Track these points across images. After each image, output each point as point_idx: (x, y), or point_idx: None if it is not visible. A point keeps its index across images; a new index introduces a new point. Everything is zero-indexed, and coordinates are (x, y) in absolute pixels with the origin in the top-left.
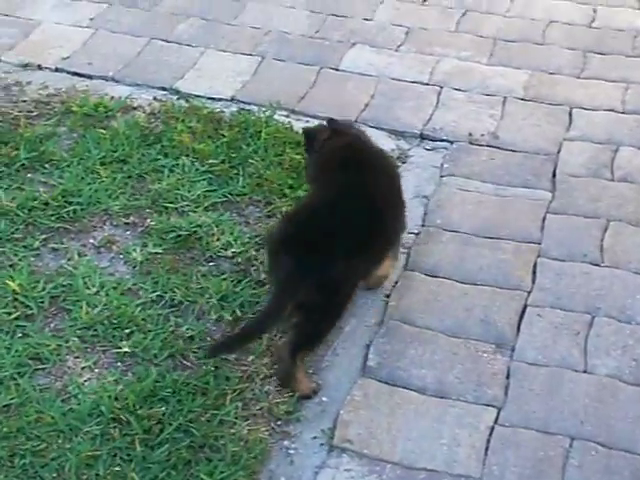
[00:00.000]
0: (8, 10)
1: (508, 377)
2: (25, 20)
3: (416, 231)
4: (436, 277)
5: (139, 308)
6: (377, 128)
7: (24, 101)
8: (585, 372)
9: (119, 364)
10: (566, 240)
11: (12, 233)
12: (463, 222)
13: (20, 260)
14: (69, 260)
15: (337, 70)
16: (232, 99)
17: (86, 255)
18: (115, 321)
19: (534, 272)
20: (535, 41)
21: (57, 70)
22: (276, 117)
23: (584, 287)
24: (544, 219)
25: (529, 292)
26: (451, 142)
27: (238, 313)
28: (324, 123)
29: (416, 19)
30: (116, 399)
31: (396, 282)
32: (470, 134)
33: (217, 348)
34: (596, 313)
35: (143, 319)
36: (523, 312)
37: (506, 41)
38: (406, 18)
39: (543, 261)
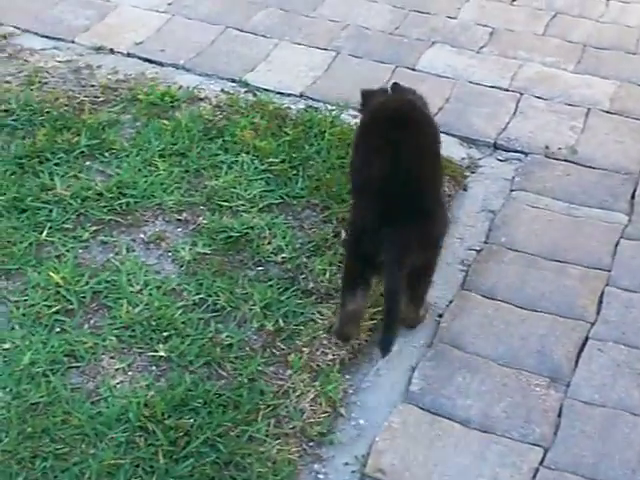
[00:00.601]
0: None
1: (560, 415)
2: (102, 2)
3: (478, 247)
4: (494, 299)
5: (180, 310)
6: (448, 134)
7: (92, 86)
8: None
9: (153, 368)
10: (638, 269)
11: (63, 222)
12: (529, 242)
13: (68, 251)
14: (117, 254)
15: (413, 70)
16: (301, 95)
17: (134, 250)
18: (154, 323)
19: (600, 302)
20: (628, 50)
21: (129, 55)
22: (343, 117)
23: None
24: (617, 244)
25: (592, 324)
26: (526, 154)
27: (281, 323)
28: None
29: (502, 19)
30: (145, 406)
31: (450, 301)
32: (547, 147)
33: (386, 344)
34: None
35: (183, 322)
36: (583, 345)
37: (596, 48)
38: (492, 18)
39: (611, 290)
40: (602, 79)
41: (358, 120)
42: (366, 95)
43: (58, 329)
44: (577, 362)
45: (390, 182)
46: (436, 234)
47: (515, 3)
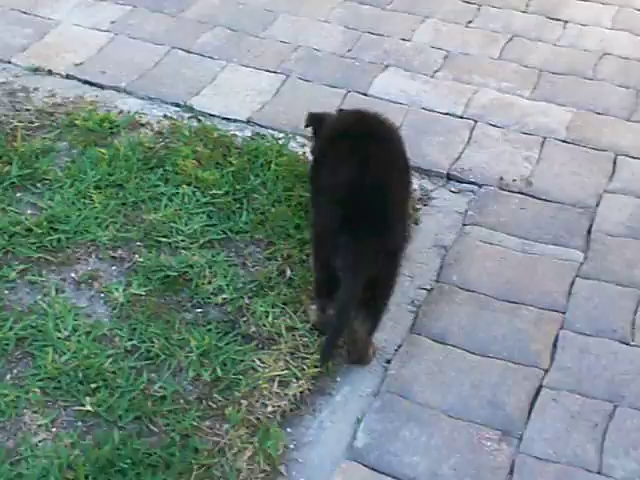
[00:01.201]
0: (28, 7)
1: (511, 472)
2: (43, 19)
3: (429, 287)
4: (444, 344)
5: (110, 359)
6: None
7: (27, 110)
8: (599, 473)
9: (79, 424)
10: (594, 311)
11: None
12: (482, 281)
13: None
14: (45, 296)
15: (365, 95)
16: (248, 121)
17: (64, 291)
18: (82, 373)
19: (554, 346)
20: (585, 75)
21: (68, 77)
22: (291, 146)
23: (609, 369)
24: (572, 283)
25: (546, 371)
26: (479, 185)
27: (218, 372)
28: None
29: (458, 42)
30: (69, 467)
31: (399, 346)
32: (501, 178)
33: (326, 355)
34: (619, 402)
35: (113, 372)
36: (537, 394)
37: (553, 73)
38: (447, 41)
39: (566, 334)
40: (558, 106)
41: (307, 149)
42: (315, 118)
43: None
44: (530, 413)
45: (353, 189)
46: (396, 247)
47: (471, 25)
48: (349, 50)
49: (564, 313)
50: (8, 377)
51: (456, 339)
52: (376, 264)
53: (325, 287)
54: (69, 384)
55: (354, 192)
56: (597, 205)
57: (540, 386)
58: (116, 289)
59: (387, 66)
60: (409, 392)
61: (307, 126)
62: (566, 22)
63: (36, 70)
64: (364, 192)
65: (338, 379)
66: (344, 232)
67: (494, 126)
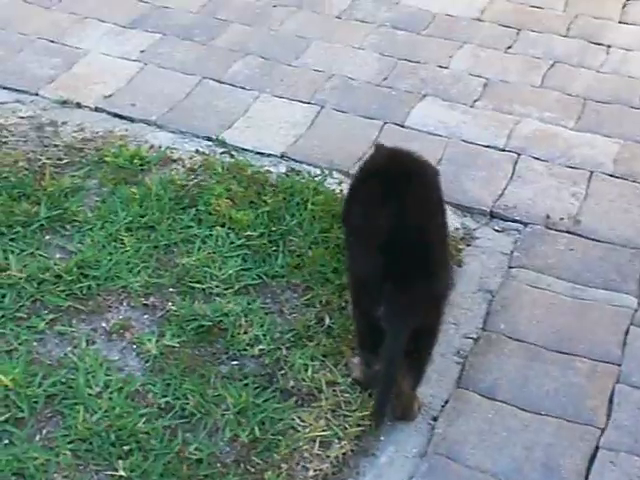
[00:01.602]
0: (55, 35)
1: None
2: (71, 48)
3: (475, 335)
4: (494, 400)
5: (144, 418)
6: None
7: (56, 145)
8: None
9: None
10: None
11: (16, 310)
12: (531, 329)
13: (20, 344)
14: (75, 347)
15: (402, 127)
16: (282, 156)
17: (95, 342)
18: (114, 434)
19: (610, 402)
20: (630, 104)
21: (97, 110)
22: (327, 183)
23: None
24: (627, 332)
25: (602, 429)
26: (525, 224)
27: (256, 432)
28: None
29: (497, 69)
30: None
31: (446, 402)
32: (548, 216)
33: (379, 414)
34: None
35: (147, 432)
36: (594, 456)
37: (597, 102)
38: (486, 67)
39: (622, 389)
40: (604, 137)
41: (344, 186)
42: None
43: (6, 441)
44: (587, 477)
45: (393, 234)
46: (440, 295)
47: (510, 51)
48: (385, 79)
49: (619, 365)
50: (37, 438)
51: (506, 394)
52: (421, 314)
53: (368, 339)
54: (101, 446)
55: (394, 237)
56: None
57: (597, 447)
58: (149, 340)
59: (424, 95)
60: (458, 454)
61: None
62: (609, 47)
63: (64, 103)
64: (405, 237)
65: (382, 438)
66: (386, 281)
67: (538, 159)
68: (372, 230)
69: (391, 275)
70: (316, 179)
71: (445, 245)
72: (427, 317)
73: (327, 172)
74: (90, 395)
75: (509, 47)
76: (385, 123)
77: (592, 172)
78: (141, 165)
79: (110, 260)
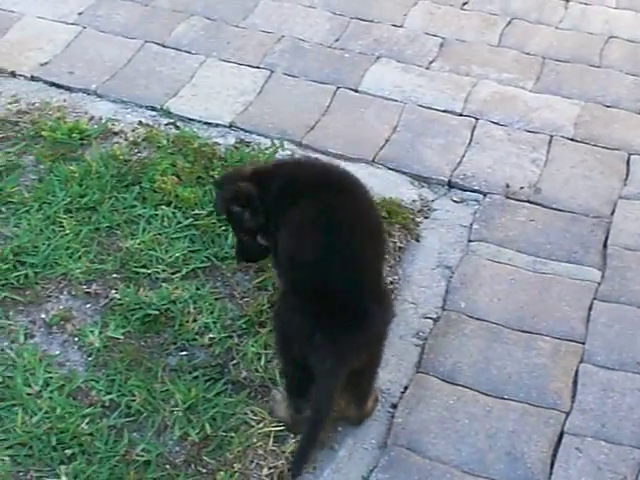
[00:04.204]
0: None
1: None
2: (4, 12)
3: (434, 315)
4: (454, 384)
5: (87, 419)
6: (398, 171)
7: None
8: None
9: None
10: (615, 340)
11: None
12: (492, 308)
13: None
14: (12, 342)
15: (356, 92)
16: (230, 126)
17: (34, 336)
18: (55, 437)
19: (575, 384)
20: (591, 62)
21: (33, 79)
22: (279, 154)
23: (635, 410)
24: (590, 308)
25: (567, 413)
26: (484, 194)
27: (207, 430)
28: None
29: (453, 28)
30: None
31: (405, 387)
32: (508, 185)
33: (295, 469)
34: None
35: (90, 434)
36: (559, 442)
37: (556, 61)
38: (442, 26)
39: (586, 369)
40: (564, 99)
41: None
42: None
43: None
44: (552, 466)
45: (321, 273)
46: (376, 339)
47: (466, 7)
48: (337, 39)
49: (583, 343)
50: None
51: (467, 378)
52: (355, 360)
53: (299, 386)
54: (41, 450)
55: (321, 276)
56: (612, 214)
57: (562, 432)
58: (91, 332)
59: (378, 57)
60: (419, 444)
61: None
62: (567, 1)
63: None
64: (332, 275)
65: (339, 429)
66: (314, 332)
67: (497, 124)
68: (300, 275)
69: (319, 325)
70: (267, 152)
71: (381, 273)
72: (363, 361)
73: (278, 143)
74: (29, 395)
75: (465, 3)
76: (338, 88)
77: (552, 136)
78: (80, 139)
79: (49, 245)
